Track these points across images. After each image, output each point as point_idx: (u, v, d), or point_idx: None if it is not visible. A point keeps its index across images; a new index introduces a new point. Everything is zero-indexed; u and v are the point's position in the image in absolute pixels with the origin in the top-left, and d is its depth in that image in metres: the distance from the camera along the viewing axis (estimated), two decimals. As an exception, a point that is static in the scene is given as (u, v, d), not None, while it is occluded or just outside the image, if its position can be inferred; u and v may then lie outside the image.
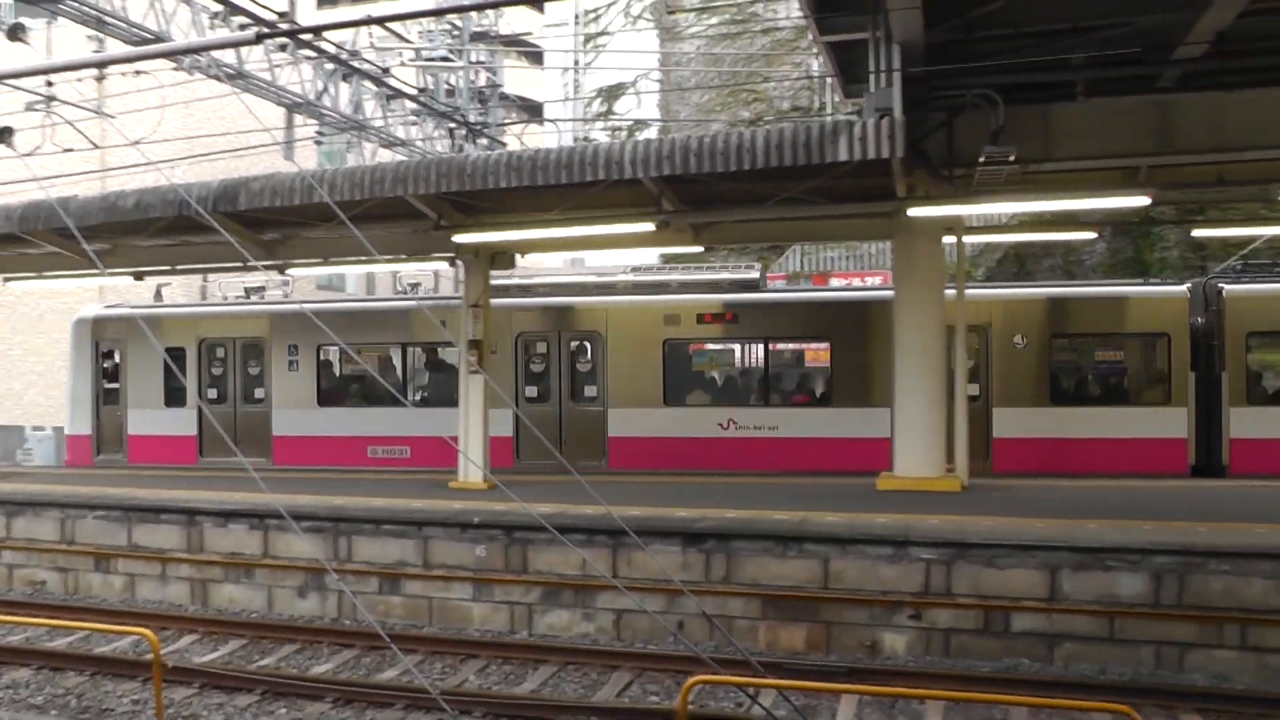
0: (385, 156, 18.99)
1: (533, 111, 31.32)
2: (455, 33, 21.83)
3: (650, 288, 17.22)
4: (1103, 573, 9.75)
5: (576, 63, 31.33)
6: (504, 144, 22.15)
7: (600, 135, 29.87)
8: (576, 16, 31.69)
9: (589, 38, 31.50)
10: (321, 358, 18.05)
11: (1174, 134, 12.24)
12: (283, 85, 17.00)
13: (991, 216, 20.44)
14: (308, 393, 17.93)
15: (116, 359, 19.06)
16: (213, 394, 18.32)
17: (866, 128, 10.15)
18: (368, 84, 19.12)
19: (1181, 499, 12.46)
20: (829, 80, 16.60)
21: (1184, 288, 15.87)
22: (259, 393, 18.25)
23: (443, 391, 16.88)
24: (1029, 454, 15.36)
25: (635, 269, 18.38)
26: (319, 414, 17.38)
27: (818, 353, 17.11)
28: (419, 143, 20.84)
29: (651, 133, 28.11)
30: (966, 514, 11.27)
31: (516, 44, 31.25)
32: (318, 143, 21.72)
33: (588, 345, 17.16)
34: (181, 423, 18.33)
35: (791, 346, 17.37)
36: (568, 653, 10.29)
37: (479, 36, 22.22)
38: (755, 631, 10.48)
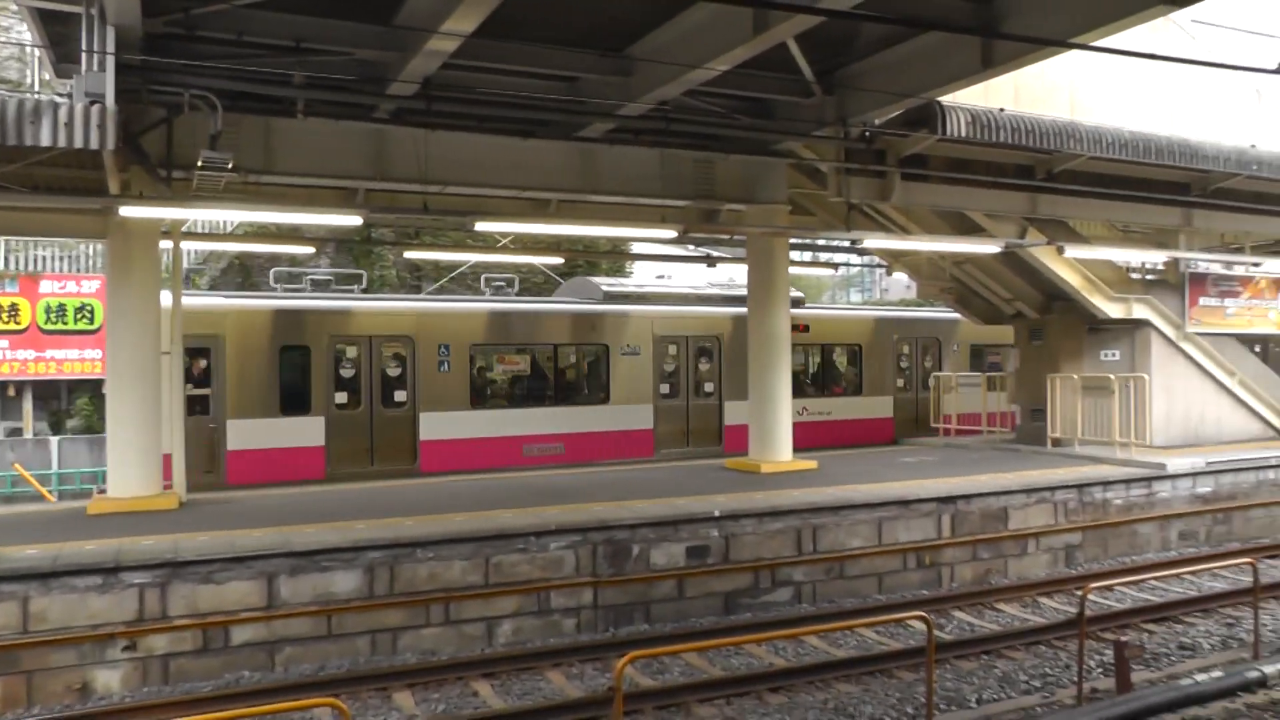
0: None
1: None
2: None
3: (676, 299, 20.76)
4: (320, 574, 10.18)
5: None
6: None
7: None
8: None
9: None
10: (475, 358, 18.03)
11: (388, 162, 13.22)
12: None
13: (218, 224, 20.14)
14: (460, 394, 17.50)
15: (207, 360, 16.14)
16: (341, 398, 16.88)
17: (74, 112, 9.18)
18: None
19: (393, 496, 13.58)
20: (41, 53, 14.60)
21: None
22: (400, 395, 17.04)
23: (590, 389, 19.34)
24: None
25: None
26: (472, 416, 16.80)
27: (854, 354, 22.09)
28: None
29: None
30: (182, 531, 10.88)
31: None
32: None
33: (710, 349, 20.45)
34: (304, 432, 16.13)
35: (839, 350, 22.14)
36: None
37: None
38: (-64, 698, 8.77)
